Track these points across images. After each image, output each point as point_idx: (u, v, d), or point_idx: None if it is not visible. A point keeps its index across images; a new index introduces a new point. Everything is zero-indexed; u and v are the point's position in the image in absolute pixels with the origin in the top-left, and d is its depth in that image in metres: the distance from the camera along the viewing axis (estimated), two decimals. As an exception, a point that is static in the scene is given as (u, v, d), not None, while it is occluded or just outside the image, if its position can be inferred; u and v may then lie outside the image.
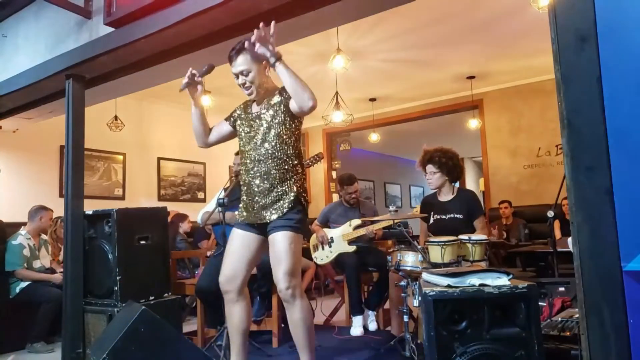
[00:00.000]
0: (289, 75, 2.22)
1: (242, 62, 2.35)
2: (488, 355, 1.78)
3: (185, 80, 2.45)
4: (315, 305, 4.05)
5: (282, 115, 2.38)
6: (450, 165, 3.30)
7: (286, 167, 2.39)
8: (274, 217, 2.36)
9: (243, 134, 2.50)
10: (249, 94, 2.42)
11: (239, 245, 2.46)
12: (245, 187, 2.47)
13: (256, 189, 2.40)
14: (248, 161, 2.44)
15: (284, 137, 2.39)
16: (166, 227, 3.42)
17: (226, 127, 2.60)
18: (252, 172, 2.42)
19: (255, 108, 2.50)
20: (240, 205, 2.51)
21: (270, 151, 2.38)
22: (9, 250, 4.16)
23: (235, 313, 2.45)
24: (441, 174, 3.30)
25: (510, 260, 5.09)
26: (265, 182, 2.38)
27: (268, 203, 2.38)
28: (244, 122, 2.51)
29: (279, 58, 2.22)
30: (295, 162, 2.43)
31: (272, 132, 2.38)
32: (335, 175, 8.04)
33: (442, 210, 3.30)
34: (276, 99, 2.41)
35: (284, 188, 2.37)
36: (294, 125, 2.42)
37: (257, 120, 2.44)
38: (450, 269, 2.43)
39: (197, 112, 2.55)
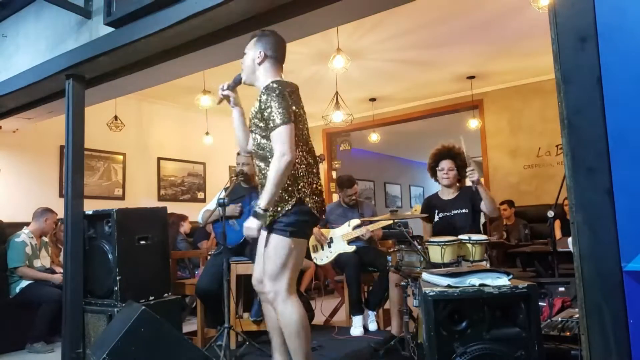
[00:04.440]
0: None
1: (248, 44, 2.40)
2: (488, 355, 1.78)
3: (220, 96, 2.45)
4: (315, 305, 4.05)
5: (261, 116, 2.25)
6: (462, 167, 3.31)
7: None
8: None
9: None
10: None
11: (260, 247, 2.35)
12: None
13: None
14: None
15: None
16: (166, 227, 3.42)
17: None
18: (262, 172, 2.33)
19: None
20: None
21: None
22: (11, 247, 4.17)
23: (272, 311, 2.32)
24: (457, 172, 3.31)
25: (510, 260, 5.09)
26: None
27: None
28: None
29: None
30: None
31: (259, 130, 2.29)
32: (335, 175, 8.04)
33: (447, 208, 3.32)
34: (261, 96, 2.26)
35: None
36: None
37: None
38: (450, 269, 2.43)
39: (236, 116, 2.47)
